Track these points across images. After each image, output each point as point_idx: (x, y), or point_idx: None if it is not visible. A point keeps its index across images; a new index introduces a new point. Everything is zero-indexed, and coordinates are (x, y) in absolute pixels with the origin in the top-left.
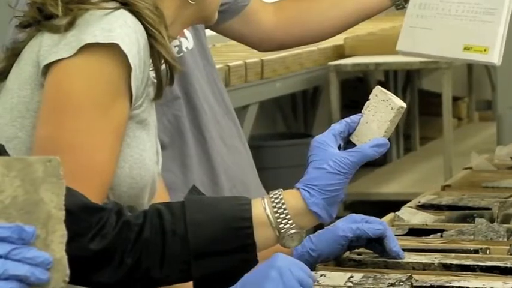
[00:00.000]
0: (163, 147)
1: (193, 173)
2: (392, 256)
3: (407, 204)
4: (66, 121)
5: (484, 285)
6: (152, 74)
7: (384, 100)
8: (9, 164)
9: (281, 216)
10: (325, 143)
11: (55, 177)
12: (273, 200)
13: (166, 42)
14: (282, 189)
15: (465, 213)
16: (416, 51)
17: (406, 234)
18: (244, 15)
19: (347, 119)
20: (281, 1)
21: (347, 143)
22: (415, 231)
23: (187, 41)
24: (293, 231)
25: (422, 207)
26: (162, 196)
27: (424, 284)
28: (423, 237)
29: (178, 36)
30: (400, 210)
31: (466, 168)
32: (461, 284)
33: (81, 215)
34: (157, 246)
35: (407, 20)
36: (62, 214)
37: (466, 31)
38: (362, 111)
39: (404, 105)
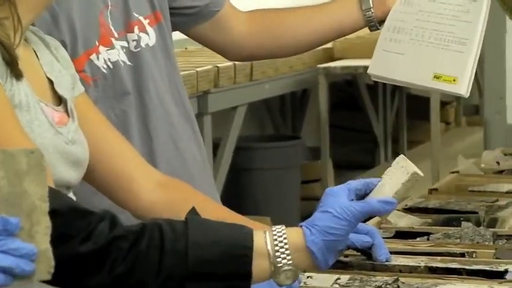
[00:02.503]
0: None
1: None
2: (380, 259)
3: None
4: None
5: None
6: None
7: (402, 166)
8: None
9: (280, 250)
10: (337, 194)
11: (38, 168)
12: (275, 233)
13: None
14: (284, 226)
15: (452, 217)
16: (387, 76)
17: (393, 237)
18: (215, 21)
19: (366, 179)
20: (255, 11)
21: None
22: (401, 234)
23: (148, 38)
24: (289, 268)
25: (409, 210)
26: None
27: (411, 287)
28: (410, 240)
29: (138, 31)
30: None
31: (453, 172)
32: (447, 287)
33: (70, 217)
34: (154, 261)
35: (380, 43)
36: (46, 206)
37: (437, 59)
38: (382, 176)
39: (420, 173)
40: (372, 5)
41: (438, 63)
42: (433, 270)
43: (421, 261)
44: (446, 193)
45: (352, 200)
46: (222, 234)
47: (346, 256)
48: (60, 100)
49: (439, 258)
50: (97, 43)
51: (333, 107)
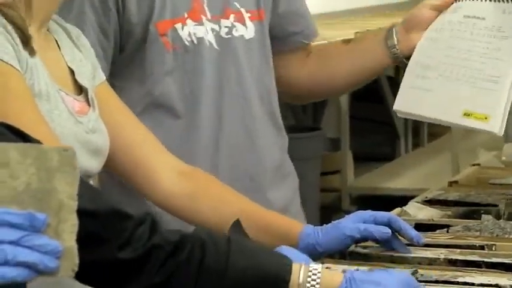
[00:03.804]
0: (176, 116)
1: (198, 147)
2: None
3: (414, 199)
4: None
5: (489, 281)
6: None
7: None
8: (25, 152)
9: None
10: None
11: (70, 166)
12: (310, 271)
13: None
14: (322, 264)
15: (472, 209)
16: (415, 113)
17: None
18: (297, 52)
19: None
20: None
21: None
22: (421, 226)
23: (245, 30)
24: None
25: (429, 202)
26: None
27: (429, 279)
28: (429, 233)
29: (234, 20)
30: (407, 205)
31: (474, 165)
32: (467, 279)
33: (109, 220)
34: (192, 276)
35: (407, 79)
36: (74, 204)
37: (467, 96)
38: None
39: None
40: (396, 42)
41: (468, 100)
42: (452, 263)
43: (441, 254)
44: (466, 186)
45: None
46: (263, 262)
47: (365, 247)
48: (81, 89)
49: (458, 250)
50: (185, 15)
51: (354, 99)
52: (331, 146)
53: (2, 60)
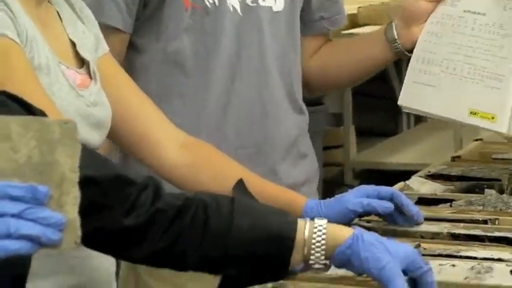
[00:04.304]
0: (187, 74)
1: (206, 108)
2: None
3: (417, 174)
4: None
5: (492, 255)
6: None
7: None
8: (26, 124)
9: (316, 248)
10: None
11: (71, 139)
12: (315, 227)
13: None
14: (327, 220)
15: (475, 184)
16: (420, 109)
17: (415, 204)
18: (319, 39)
19: None
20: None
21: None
22: (424, 201)
23: (273, 2)
24: (319, 266)
25: (432, 177)
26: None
27: (432, 253)
28: (432, 207)
29: None
30: (410, 180)
31: (477, 140)
32: (469, 253)
33: (113, 186)
34: (196, 238)
35: (410, 74)
36: (75, 176)
37: (472, 95)
38: None
39: None
40: (396, 36)
41: (474, 98)
42: (455, 237)
43: (444, 228)
44: (469, 160)
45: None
46: (267, 221)
47: (368, 222)
48: (83, 62)
49: (461, 225)
50: None
51: None
52: (333, 121)
53: (1, 34)
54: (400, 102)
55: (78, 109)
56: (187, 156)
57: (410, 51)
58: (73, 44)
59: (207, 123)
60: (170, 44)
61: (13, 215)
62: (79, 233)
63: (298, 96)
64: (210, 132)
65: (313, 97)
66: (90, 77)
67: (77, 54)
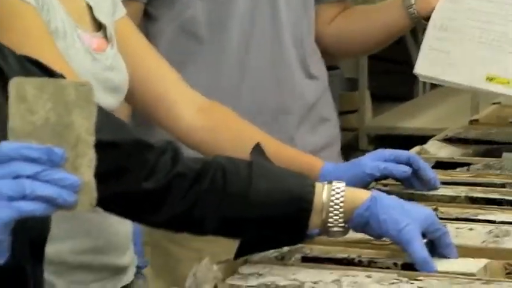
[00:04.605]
0: (201, 41)
1: (222, 75)
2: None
3: (434, 138)
4: None
5: (509, 219)
6: None
7: None
8: (42, 86)
9: (334, 212)
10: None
11: (87, 102)
12: (333, 190)
13: None
14: (345, 183)
15: (492, 148)
16: (435, 77)
17: (433, 167)
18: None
19: None
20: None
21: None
22: (441, 164)
23: None
24: (338, 229)
25: (449, 140)
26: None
27: (450, 217)
28: (449, 171)
29: None
30: (427, 143)
31: (494, 104)
32: (487, 217)
33: (132, 150)
34: (214, 202)
35: (427, 41)
36: (91, 139)
37: (489, 60)
38: None
39: None
40: (413, 2)
41: (490, 64)
42: (473, 200)
43: (461, 192)
44: (487, 124)
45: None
46: (285, 183)
47: (385, 185)
48: (99, 26)
49: (479, 188)
50: None
51: None
52: (348, 85)
53: None
54: (416, 70)
55: (94, 73)
56: (205, 119)
57: (427, 19)
58: (90, 8)
59: (221, 91)
60: (184, 12)
61: (28, 177)
62: (95, 195)
63: (311, 62)
64: (224, 100)
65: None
66: (107, 41)
67: (93, 18)
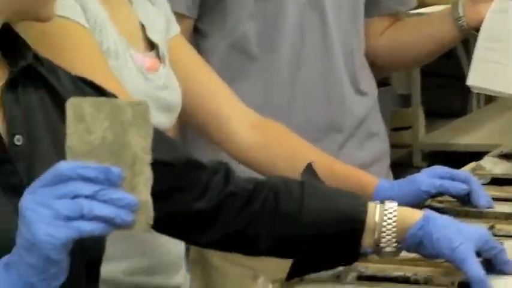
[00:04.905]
0: (253, 59)
1: (273, 92)
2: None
3: (489, 154)
4: None
5: None
6: None
7: None
8: (99, 106)
9: (387, 231)
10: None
11: (143, 120)
12: (386, 209)
13: None
14: (397, 203)
15: None
16: (489, 88)
17: (488, 184)
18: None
19: None
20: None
21: None
22: (497, 181)
23: None
24: (391, 249)
25: (505, 156)
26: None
27: (507, 234)
28: (505, 187)
29: None
30: (482, 160)
31: None
32: None
33: (184, 170)
34: (267, 222)
35: (478, 53)
36: (148, 158)
37: None
38: None
39: None
40: (462, 14)
41: None
42: None
43: None
44: None
45: None
46: (337, 203)
47: (441, 202)
48: (152, 45)
49: None
50: None
51: None
52: (401, 102)
53: (69, 18)
54: (469, 82)
55: (146, 92)
56: (258, 135)
57: (477, 30)
58: (143, 28)
59: (272, 107)
60: (235, 30)
61: (86, 196)
62: (151, 214)
63: (360, 78)
64: (275, 116)
65: (379, 78)
66: (160, 61)
67: (146, 37)
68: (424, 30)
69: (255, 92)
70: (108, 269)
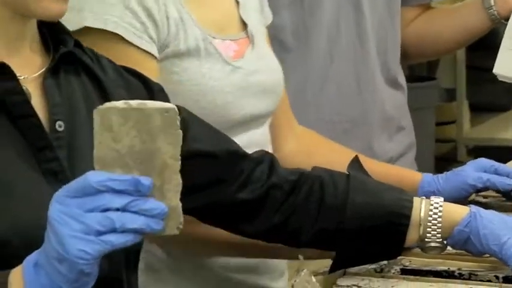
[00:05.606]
0: (287, 49)
1: (307, 81)
2: None
3: None
4: None
5: None
6: None
7: None
8: (126, 114)
9: (432, 227)
10: None
11: (172, 127)
12: (432, 205)
13: None
14: (443, 198)
15: None
16: None
17: None
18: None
19: None
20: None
21: None
22: None
23: None
24: (436, 245)
25: None
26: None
27: None
28: None
29: None
30: None
31: None
32: None
33: (227, 161)
34: (312, 213)
35: (506, 42)
36: (178, 164)
37: None
38: None
39: None
40: (493, 3)
41: None
42: None
43: None
44: None
45: None
46: (383, 198)
47: (486, 197)
48: (245, 24)
49: None
50: None
51: (470, 47)
52: (446, 96)
53: (134, 44)
54: (495, 70)
55: (234, 83)
56: (300, 143)
57: (507, 19)
58: (237, 4)
59: (305, 98)
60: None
61: (117, 209)
62: (181, 219)
63: (394, 71)
64: (308, 107)
65: (424, 73)
66: (249, 40)
67: (240, 15)
68: (455, 19)
69: (289, 82)
70: (217, 264)
